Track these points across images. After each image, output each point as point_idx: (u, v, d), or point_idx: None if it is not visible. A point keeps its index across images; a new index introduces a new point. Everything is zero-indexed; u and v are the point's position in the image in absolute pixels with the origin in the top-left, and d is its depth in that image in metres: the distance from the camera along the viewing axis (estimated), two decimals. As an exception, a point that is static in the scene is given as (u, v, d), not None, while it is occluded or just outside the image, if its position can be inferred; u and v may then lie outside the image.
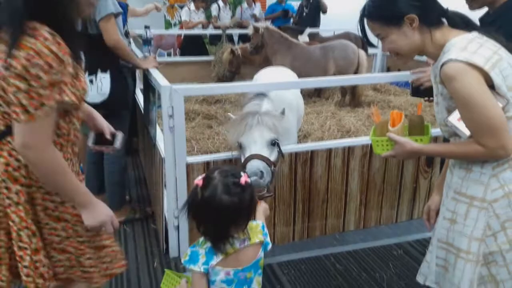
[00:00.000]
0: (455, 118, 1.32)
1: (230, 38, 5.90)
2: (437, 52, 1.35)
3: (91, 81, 2.57)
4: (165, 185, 2.32)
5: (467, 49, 1.26)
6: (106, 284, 1.72)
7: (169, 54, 7.31)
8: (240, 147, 2.12)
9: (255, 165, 1.97)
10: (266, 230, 1.45)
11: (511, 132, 1.28)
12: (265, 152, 2.04)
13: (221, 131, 3.96)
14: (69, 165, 1.38)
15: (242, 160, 2.08)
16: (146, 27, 3.14)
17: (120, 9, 2.57)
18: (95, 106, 2.54)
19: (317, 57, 4.79)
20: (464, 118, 1.28)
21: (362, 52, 4.81)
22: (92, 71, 2.58)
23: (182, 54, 6.33)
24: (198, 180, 1.32)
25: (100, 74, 2.58)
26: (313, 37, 5.97)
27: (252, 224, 1.42)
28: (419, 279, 1.59)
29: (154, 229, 2.85)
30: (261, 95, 2.45)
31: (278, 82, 2.72)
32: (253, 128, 2.06)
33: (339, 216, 2.59)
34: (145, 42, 3.19)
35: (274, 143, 2.10)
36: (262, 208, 1.57)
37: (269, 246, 1.44)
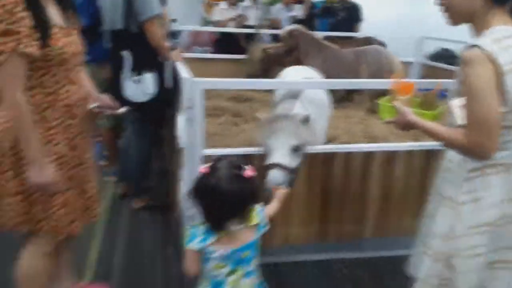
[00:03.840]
0: (457, 104, 1.31)
1: (262, 37, 5.89)
2: (479, 31, 1.31)
3: (137, 81, 2.60)
4: (182, 175, 2.36)
5: (500, 42, 1.22)
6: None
7: (205, 51, 7.41)
8: (266, 149, 2.10)
9: (275, 176, 1.95)
10: (263, 213, 1.48)
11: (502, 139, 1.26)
12: (286, 160, 2.00)
13: (246, 129, 3.98)
14: (58, 127, 1.50)
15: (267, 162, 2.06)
16: (173, 20, 3.19)
17: (161, 9, 2.59)
18: (139, 104, 2.61)
19: (349, 60, 4.71)
20: (466, 105, 1.27)
21: (396, 59, 4.69)
22: (137, 70, 2.60)
23: (216, 51, 6.40)
24: (204, 168, 1.35)
25: (145, 75, 2.60)
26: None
27: None
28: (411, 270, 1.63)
29: (171, 218, 2.91)
30: (292, 96, 2.41)
31: (303, 81, 2.70)
32: (278, 133, 2.03)
33: (358, 222, 2.53)
34: (171, 35, 3.25)
35: (297, 149, 2.05)
36: (280, 193, 1.61)
37: (264, 229, 1.46)
